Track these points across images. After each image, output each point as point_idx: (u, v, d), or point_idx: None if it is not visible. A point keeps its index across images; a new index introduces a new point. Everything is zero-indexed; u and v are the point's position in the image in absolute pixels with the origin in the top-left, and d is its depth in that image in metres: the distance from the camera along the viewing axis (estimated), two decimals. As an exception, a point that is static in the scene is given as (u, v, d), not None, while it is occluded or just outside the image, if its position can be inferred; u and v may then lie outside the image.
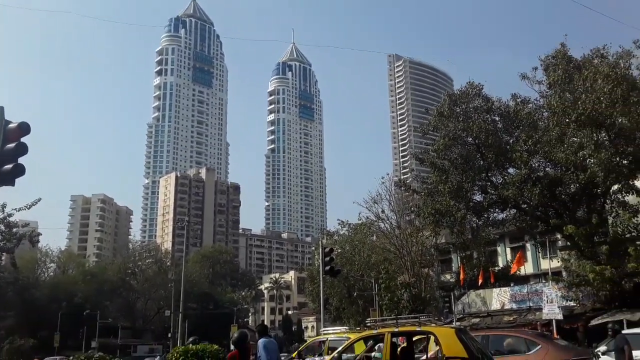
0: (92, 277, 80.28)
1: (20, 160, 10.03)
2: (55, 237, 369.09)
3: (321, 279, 32.54)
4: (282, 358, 17.10)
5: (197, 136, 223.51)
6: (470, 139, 30.25)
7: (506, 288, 36.16)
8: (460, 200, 29.69)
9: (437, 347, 10.38)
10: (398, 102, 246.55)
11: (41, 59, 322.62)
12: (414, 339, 12.55)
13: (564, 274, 30.36)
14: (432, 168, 31.52)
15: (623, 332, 14.73)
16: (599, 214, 27.83)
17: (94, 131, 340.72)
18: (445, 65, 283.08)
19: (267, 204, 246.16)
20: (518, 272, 40.05)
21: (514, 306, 34.20)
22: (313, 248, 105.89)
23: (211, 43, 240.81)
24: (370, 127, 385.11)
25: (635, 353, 13.14)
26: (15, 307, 68.29)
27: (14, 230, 40.49)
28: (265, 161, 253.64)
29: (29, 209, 34.16)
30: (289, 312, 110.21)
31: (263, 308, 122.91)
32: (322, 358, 15.30)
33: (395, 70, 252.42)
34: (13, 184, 10.03)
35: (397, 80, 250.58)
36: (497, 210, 32.15)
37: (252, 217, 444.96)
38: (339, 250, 50.73)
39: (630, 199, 27.11)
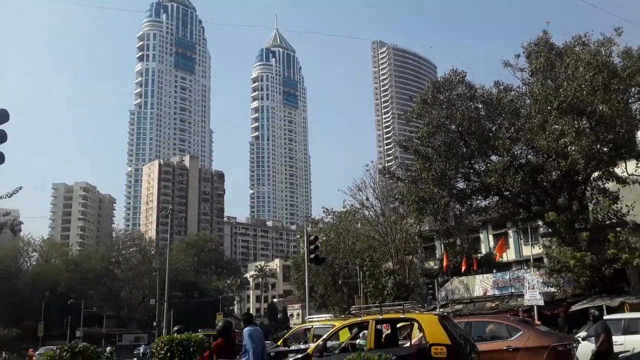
0: (76, 266, 79.91)
1: (0, 148, 9.92)
2: (37, 226, 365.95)
3: (306, 267, 32.66)
4: (267, 344, 17.17)
5: (180, 123, 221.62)
6: (454, 126, 30.40)
7: (489, 275, 36.53)
8: (444, 187, 29.89)
9: (421, 334, 10.51)
10: (382, 89, 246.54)
11: (17, 44, 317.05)
12: (398, 325, 12.69)
13: (545, 260, 30.74)
14: (416, 155, 31.66)
15: (604, 318, 14.96)
16: (579, 201, 28.21)
17: (75, 118, 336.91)
18: (429, 52, 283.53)
19: (251, 191, 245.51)
20: (500, 259, 40.52)
21: (496, 292, 34.57)
22: (298, 236, 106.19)
23: (193, 28, 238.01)
24: (354, 115, 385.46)
25: (615, 338, 13.38)
26: (-3, 297, 67.80)
27: (-5, 219, 40.10)
28: (249, 149, 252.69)
29: (9, 197, 33.72)
30: (275, 300, 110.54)
31: (248, 296, 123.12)
32: (307, 345, 15.37)
33: (379, 57, 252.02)
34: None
35: (381, 67, 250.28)
36: (480, 197, 32.46)
37: (237, 205, 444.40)
38: (324, 238, 50.95)
39: (610, 186, 27.48)
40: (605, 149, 26.77)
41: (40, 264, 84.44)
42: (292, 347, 17.20)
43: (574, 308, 27.14)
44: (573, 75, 25.81)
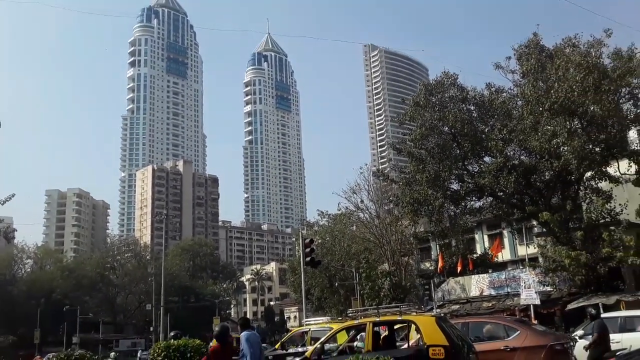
0: (70, 273, 79.61)
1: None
2: (31, 233, 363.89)
3: (302, 270, 32.64)
4: (265, 348, 17.21)
5: (172, 128, 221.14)
6: (447, 128, 30.52)
7: (484, 275, 36.62)
8: (438, 189, 29.98)
9: (418, 336, 10.58)
10: (375, 92, 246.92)
11: (10, 51, 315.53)
12: (396, 327, 12.77)
13: (540, 259, 30.84)
14: (410, 158, 31.72)
15: (601, 316, 15.02)
16: (573, 201, 28.38)
17: (68, 124, 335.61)
18: (420, 55, 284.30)
19: (246, 195, 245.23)
20: (496, 259, 40.64)
21: (493, 292, 34.66)
22: (293, 239, 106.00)
23: (185, 33, 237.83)
24: (347, 118, 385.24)
25: (612, 336, 13.48)
26: (-8, 304, 67.40)
27: (-11, 227, 39.91)
28: (243, 153, 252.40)
29: (2, 204, 33.63)
30: (271, 303, 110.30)
31: (245, 300, 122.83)
32: (305, 348, 15.41)
33: (371, 60, 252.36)
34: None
35: (373, 71, 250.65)
36: (474, 198, 32.58)
37: (232, 209, 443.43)
38: (319, 241, 50.92)
39: (603, 185, 27.67)
40: (597, 149, 26.94)
41: (34, 271, 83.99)
42: (290, 351, 17.25)
43: (570, 307, 27.25)
44: (564, 76, 25.97)
